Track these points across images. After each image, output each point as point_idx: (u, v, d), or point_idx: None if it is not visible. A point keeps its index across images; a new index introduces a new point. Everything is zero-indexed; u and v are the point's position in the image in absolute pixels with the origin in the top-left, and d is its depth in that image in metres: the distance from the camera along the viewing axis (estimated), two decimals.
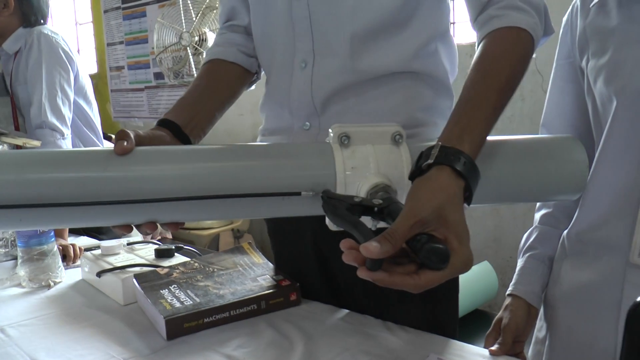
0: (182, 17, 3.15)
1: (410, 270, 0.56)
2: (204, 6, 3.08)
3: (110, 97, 4.13)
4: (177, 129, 0.84)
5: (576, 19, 0.85)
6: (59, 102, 1.68)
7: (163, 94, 3.74)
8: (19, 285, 1.18)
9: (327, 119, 0.90)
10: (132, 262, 1.15)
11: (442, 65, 0.92)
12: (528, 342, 0.93)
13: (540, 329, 0.92)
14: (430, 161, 0.63)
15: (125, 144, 0.68)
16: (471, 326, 1.89)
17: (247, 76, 1.01)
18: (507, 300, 0.92)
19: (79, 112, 1.80)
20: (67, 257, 1.34)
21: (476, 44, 0.79)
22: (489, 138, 0.71)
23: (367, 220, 0.63)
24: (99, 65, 4.63)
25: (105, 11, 4.01)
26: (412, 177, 0.65)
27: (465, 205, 0.65)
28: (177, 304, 0.93)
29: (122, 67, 3.99)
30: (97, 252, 1.22)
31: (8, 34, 1.75)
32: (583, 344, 0.82)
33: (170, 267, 1.09)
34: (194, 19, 3.12)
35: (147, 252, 1.24)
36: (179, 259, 1.20)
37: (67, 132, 1.69)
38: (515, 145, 0.81)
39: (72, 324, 0.98)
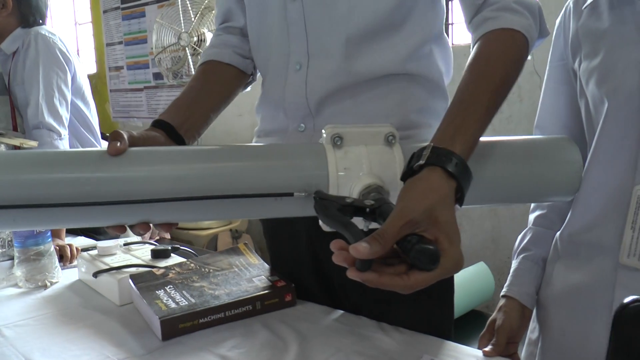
0: (181, 18, 3.15)
1: (400, 271, 0.56)
2: (202, 7, 3.09)
3: (110, 97, 4.14)
4: (172, 130, 0.84)
5: (569, 21, 0.85)
6: (56, 102, 1.69)
7: (162, 94, 3.75)
8: (16, 285, 1.18)
9: (322, 120, 0.90)
10: (129, 263, 1.15)
11: (436, 66, 0.92)
12: (522, 343, 0.93)
13: (533, 330, 0.92)
14: (421, 162, 0.63)
15: (118, 144, 0.68)
16: (468, 327, 1.89)
17: (242, 78, 1.01)
18: (501, 302, 0.92)
19: (76, 112, 1.81)
20: (64, 257, 1.34)
21: (471, 46, 0.79)
22: (483, 139, 0.71)
23: (359, 221, 0.64)
24: (98, 65, 4.63)
25: (105, 11, 4.02)
26: (404, 177, 0.65)
27: (457, 206, 0.65)
28: (173, 305, 0.94)
29: (121, 67, 4.00)
30: (94, 252, 1.23)
31: (6, 34, 1.75)
32: (575, 346, 0.82)
33: (166, 267, 1.09)
34: (193, 19, 3.13)
35: (143, 252, 1.24)
36: (175, 259, 1.20)
37: (64, 132, 1.69)
38: (510, 146, 0.81)
39: (68, 324, 0.98)
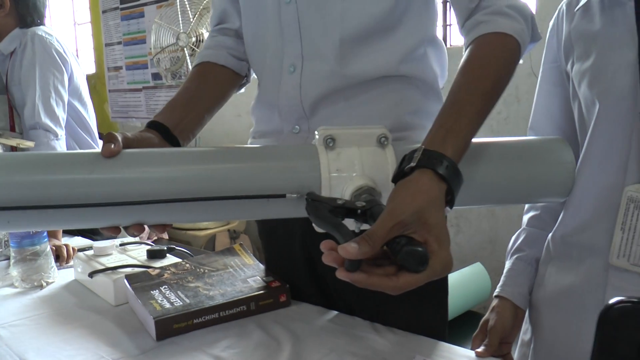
0: (180, 18, 3.16)
1: (389, 272, 0.57)
2: (201, 7, 3.09)
3: (108, 97, 4.14)
4: (166, 131, 0.85)
5: (562, 24, 0.86)
6: (53, 103, 1.69)
7: (161, 94, 3.75)
8: (12, 285, 1.18)
9: (317, 122, 0.90)
10: (124, 263, 1.16)
11: (431, 69, 0.92)
12: (515, 344, 0.93)
13: (525, 331, 0.93)
14: (412, 164, 0.63)
15: (112, 146, 0.69)
16: (464, 328, 1.89)
17: (237, 79, 1.01)
18: (494, 302, 0.93)
19: (73, 113, 1.81)
20: (60, 257, 1.35)
21: (463, 49, 0.80)
22: (476, 140, 0.72)
23: (351, 223, 0.64)
24: (97, 65, 4.64)
25: (104, 11, 4.02)
26: (395, 179, 0.65)
27: (448, 208, 0.65)
28: (167, 305, 0.94)
29: (120, 68, 4.00)
30: (90, 252, 1.23)
31: (4, 34, 1.76)
32: (567, 347, 0.82)
33: (161, 268, 1.10)
34: (191, 19, 3.13)
35: (139, 252, 1.25)
36: (170, 259, 1.21)
37: (61, 133, 1.70)
38: (503, 147, 0.81)
39: (63, 324, 0.98)
